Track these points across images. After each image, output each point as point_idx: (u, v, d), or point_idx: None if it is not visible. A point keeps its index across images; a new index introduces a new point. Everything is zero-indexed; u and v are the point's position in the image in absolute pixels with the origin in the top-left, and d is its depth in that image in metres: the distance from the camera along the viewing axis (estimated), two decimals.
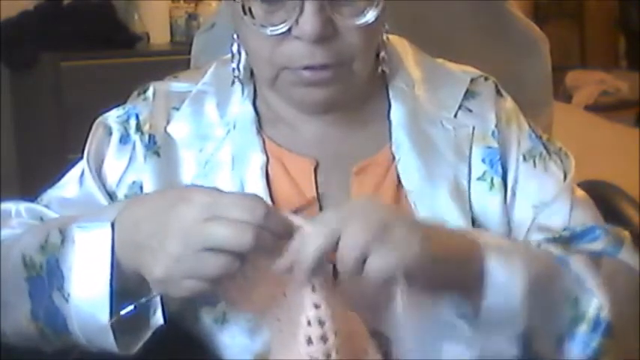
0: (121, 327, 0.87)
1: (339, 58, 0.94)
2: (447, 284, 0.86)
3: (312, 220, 0.82)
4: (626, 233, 1.04)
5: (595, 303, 0.91)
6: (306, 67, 0.94)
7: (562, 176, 1.05)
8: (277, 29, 0.92)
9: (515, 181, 1.04)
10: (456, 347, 0.90)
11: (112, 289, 0.86)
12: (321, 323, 0.81)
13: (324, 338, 0.81)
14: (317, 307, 0.81)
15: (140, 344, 0.89)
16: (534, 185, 1.04)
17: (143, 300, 0.86)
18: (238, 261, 0.80)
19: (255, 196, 0.83)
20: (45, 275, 0.90)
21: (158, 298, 0.89)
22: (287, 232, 0.81)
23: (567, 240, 1.01)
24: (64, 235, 0.90)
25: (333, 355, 0.81)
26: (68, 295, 0.88)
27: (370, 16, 0.93)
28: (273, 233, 0.80)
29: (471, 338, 0.88)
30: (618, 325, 0.92)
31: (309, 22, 0.91)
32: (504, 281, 0.87)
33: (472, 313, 0.88)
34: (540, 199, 1.03)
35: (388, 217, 0.82)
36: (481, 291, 0.87)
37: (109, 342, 0.87)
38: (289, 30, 0.92)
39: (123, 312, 0.86)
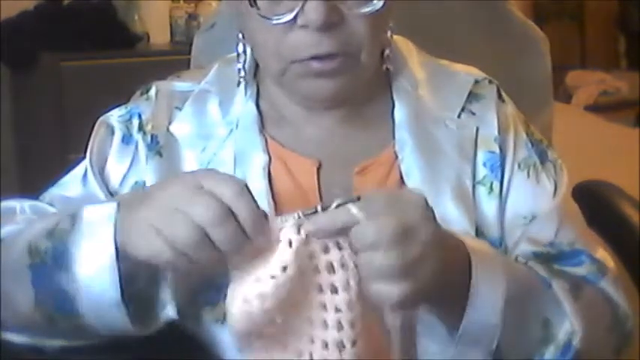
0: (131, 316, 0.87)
1: (346, 48, 0.94)
2: (436, 297, 0.85)
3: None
4: (612, 266, 1.03)
5: (567, 328, 0.91)
6: (314, 57, 0.93)
7: (553, 189, 1.04)
8: (282, 17, 0.92)
9: (508, 189, 1.03)
10: (432, 346, 0.90)
11: (119, 264, 0.85)
12: (350, 307, 0.79)
13: (352, 324, 0.79)
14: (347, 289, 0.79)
15: (152, 329, 0.89)
16: (526, 196, 1.03)
17: None
18: (202, 236, 0.78)
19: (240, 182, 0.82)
20: (49, 260, 0.89)
21: (168, 295, 0.90)
22: (259, 228, 0.79)
23: (553, 257, 1.00)
24: (74, 219, 0.89)
25: (351, 346, 0.79)
26: (76, 274, 0.87)
27: (377, 4, 0.93)
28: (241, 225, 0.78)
29: (447, 342, 0.88)
30: (587, 355, 0.92)
31: (314, 9, 0.90)
32: (487, 296, 0.86)
33: (451, 323, 0.87)
34: (530, 211, 1.03)
35: (412, 229, 0.78)
36: (463, 302, 0.86)
37: (122, 318, 0.87)
38: (295, 19, 0.92)
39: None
